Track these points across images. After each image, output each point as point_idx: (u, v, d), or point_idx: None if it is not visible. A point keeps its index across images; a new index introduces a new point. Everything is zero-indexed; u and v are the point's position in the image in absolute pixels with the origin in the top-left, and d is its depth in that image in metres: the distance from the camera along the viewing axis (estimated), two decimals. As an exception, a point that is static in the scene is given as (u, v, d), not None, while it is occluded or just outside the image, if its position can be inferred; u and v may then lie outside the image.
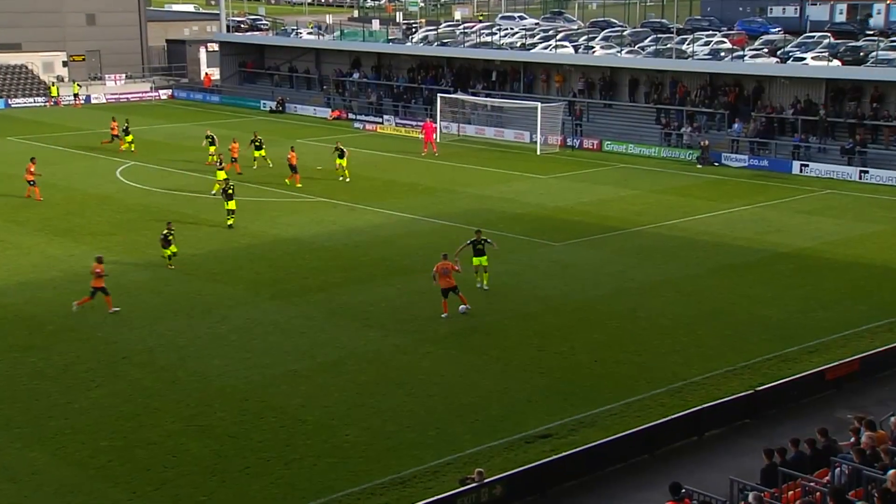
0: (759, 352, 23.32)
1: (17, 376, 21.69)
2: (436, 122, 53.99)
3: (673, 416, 18.95)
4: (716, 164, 49.13)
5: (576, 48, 61.38)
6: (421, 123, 58.84)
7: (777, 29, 69.47)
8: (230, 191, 35.24)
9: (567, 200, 40.75)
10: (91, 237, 33.81)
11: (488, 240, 28.17)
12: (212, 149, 45.59)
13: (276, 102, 70.16)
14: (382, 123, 62.46)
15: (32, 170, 39.12)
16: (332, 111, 66.73)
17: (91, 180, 43.96)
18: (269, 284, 28.75)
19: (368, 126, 62.38)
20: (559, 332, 24.76)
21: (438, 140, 55.86)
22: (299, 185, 42.03)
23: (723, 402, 19.61)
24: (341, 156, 43.64)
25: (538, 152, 52.80)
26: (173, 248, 30.18)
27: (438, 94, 58.53)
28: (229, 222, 35.10)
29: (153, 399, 20.56)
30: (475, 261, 27.97)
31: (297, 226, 35.67)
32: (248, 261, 31.28)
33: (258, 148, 45.13)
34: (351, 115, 65.45)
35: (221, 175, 40.31)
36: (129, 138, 51.42)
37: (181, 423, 19.44)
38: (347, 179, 43.09)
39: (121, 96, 75.86)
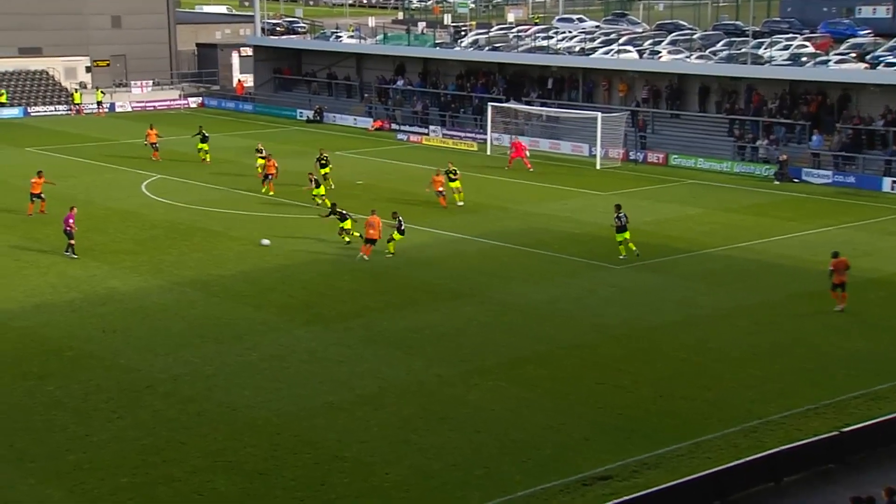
0: (844, 389, 22.98)
1: (33, 406, 22.07)
2: (522, 140, 54.21)
3: (747, 459, 18.71)
4: (795, 180, 48.64)
5: (640, 53, 61.25)
6: (471, 134, 59.11)
7: (866, 31, 68.66)
8: (341, 210, 35.61)
9: (629, 219, 40.46)
10: (113, 256, 34.39)
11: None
12: (260, 161, 46.19)
13: (313, 111, 70.87)
14: (428, 135, 62.80)
15: (41, 182, 39.87)
16: (374, 121, 67.24)
17: (114, 194, 44.74)
18: (303, 309, 28.97)
19: (413, 137, 62.78)
20: (619, 364, 24.63)
21: (489, 153, 55.99)
22: (272, 193, 43.19)
23: (803, 445, 19.33)
24: (322, 166, 44.70)
25: (597, 167, 52.69)
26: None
27: (489, 103, 58.73)
28: (347, 239, 35.57)
29: (178, 432, 20.80)
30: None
31: (334, 245, 35.90)
32: (281, 283, 31.56)
33: (323, 166, 45.08)
34: (394, 126, 65.89)
35: (321, 191, 41.27)
36: (205, 147, 52.17)
37: (208, 459, 19.64)
38: (332, 186, 43.89)
39: (147, 104, 77.11)
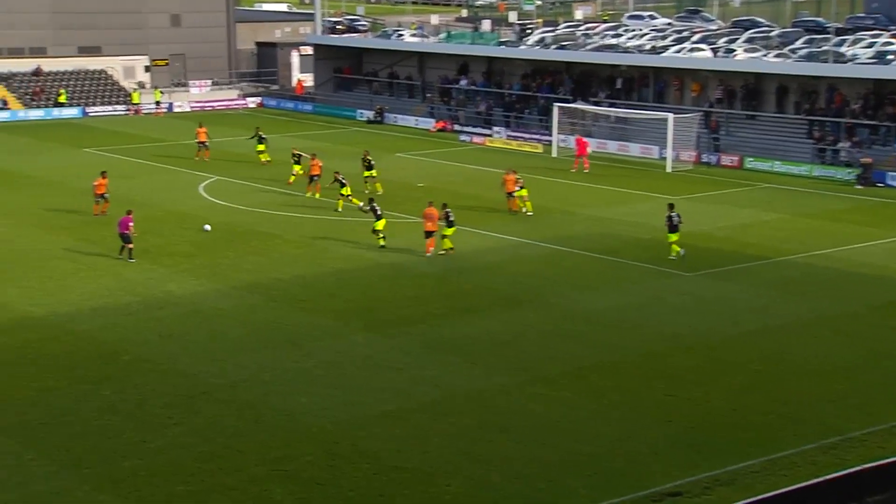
0: (929, 405, 22.49)
1: (88, 411, 22.45)
2: (586, 138, 54.09)
3: (826, 478, 18.36)
4: (879, 185, 47.76)
5: (714, 51, 60.58)
6: (536, 135, 58.98)
7: (956, 27, 67.11)
8: (379, 210, 35.89)
9: (701, 225, 40.15)
10: (170, 258, 34.90)
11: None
12: (296, 168, 46.54)
13: (374, 112, 71.30)
14: (492, 136, 62.80)
15: (105, 183, 40.56)
16: (436, 122, 67.44)
17: (171, 196, 45.43)
18: (361, 314, 29.12)
19: (476, 139, 62.81)
20: (691, 375, 24.37)
21: (555, 155, 55.86)
22: (318, 196, 43.14)
23: (888, 464, 18.92)
24: (369, 167, 44.96)
25: (668, 169, 52.26)
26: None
27: (555, 104, 58.57)
28: (381, 242, 35.77)
29: (234, 439, 21.03)
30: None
31: (395, 249, 36.04)
32: (339, 287, 31.76)
33: (368, 168, 45.36)
34: (456, 127, 66.01)
35: (346, 190, 41.51)
36: (262, 148, 52.88)
37: (265, 467, 19.81)
38: (379, 192, 43.70)
39: (206, 104, 78.19)
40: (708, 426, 21.60)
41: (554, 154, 56.35)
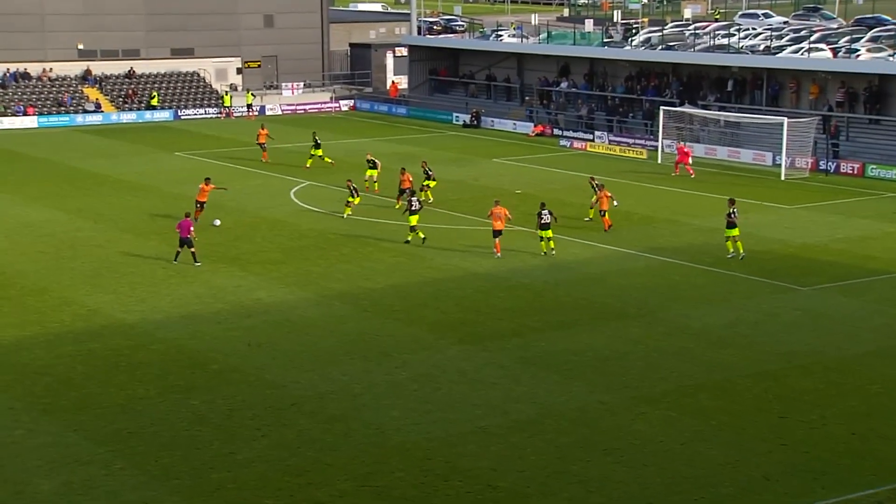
0: None
1: (178, 420, 22.95)
2: (688, 144, 53.64)
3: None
4: None
5: (835, 51, 59.36)
6: (645, 141, 58.59)
7: None
8: (414, 206, 37.27)
9: (818, 236, 39.30)
10: (260, 266, 35.49)
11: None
12: (371, 173, 46.88)
13: (470, 115, 71.49)
14: (593, 141, 62.46)
15: (209, 190, 41.32)
16: (535, 126, 67.36)
17: (263, 201, 46.21)
18: (456, 326, 29.21)
19: (576, 144, 62.54)
20: (806, 397, 23.88)
21: (660, 162, 55.31)
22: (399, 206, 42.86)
23: None
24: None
25: (782, 177, 51.32)
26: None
27: (661, 108, 58.00)
28: (409, 237, 37.40)
29: (323, 453, 21.25)
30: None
31: (492, 259, 36.05)
32: (433, 298, 31.90)
33: (427, 178, 45.79)
34: (556, 131, 65.82)
35: (357, 200, 42.18)
36: (319, 152, 53.82)
37: (354, 483, 19.99)
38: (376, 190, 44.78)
39: (297, 107, 79.38)
40: (825, 452, 21.12)
41: (659, 160, 55.78)
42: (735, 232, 35.47)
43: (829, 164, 52.84)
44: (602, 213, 39.91)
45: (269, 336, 28.44)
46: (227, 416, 23.13)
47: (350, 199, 42.02)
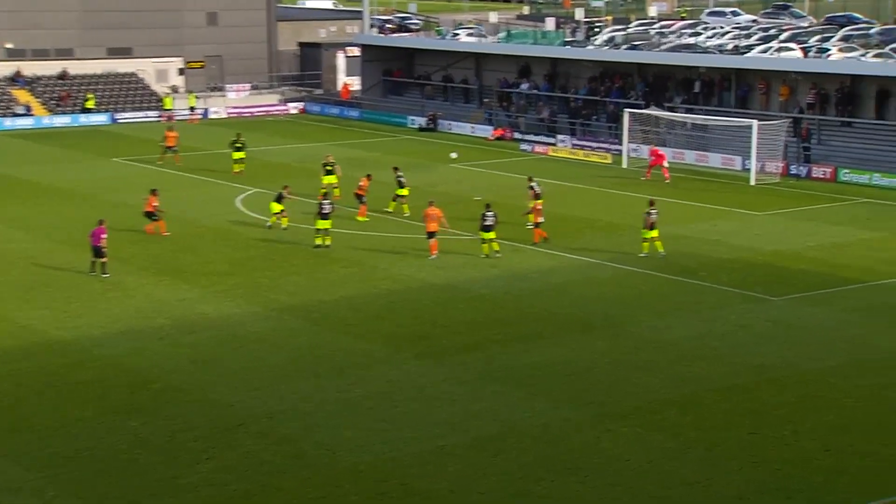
0: None
1: (117, 444, 22.69)
2: (661, 148, 54.09)
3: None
4: None
5: (805, 51, 60.10)
6: (606, 144, 58.95)
7: None
8: (324, 209, 38.11)
9: (789, 244, 39.73)
10: (205, 278, 35.27)
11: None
12: (329, 180, 46.77)
13: (426, 119, 71.60)
14: (556, 145, 62.77)
15: (153, 201, 41.08)
16: (494, 130, 67.55)
17: (207, 210, 45.94)
18: (413, 340, 29.19)
19: (538, 148, 62.81)
20: (778, 411, 24.10)
21: (625, 166, 55.66)
22: (364, 219, 42.88)
23: None
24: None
25: (752, 182, 51.83)
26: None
27: (626, 110, 58.40)
28: (317, 241, 38.32)
29: (272, 476, 21.12)
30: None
31: (449, 269, 36.11)
32: (389, 310, 31.87)
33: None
34: (517, 135, 66.06)
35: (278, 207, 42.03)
36: (241, 156, 53.88)
37: (305, 506, 19.89)
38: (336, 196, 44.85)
39: (244, 110, 79.09)
40: (798, 469, 21.32)
41: (624, 165, 56.15)
42: (654, 234, 36.83)
43: (801, 168, 53.43)
44: (535, 224, 39.34)
45: (215, 352, 28.26)
46: (169, 438, 22.93)
47: (274, 210, 41.68)
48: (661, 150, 53.36)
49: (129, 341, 29.18)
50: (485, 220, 36.86)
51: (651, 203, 37.64)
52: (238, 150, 54.20)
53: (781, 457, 21.83)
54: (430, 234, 37.07)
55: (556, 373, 26.61)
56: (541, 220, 39.37)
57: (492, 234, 36.97)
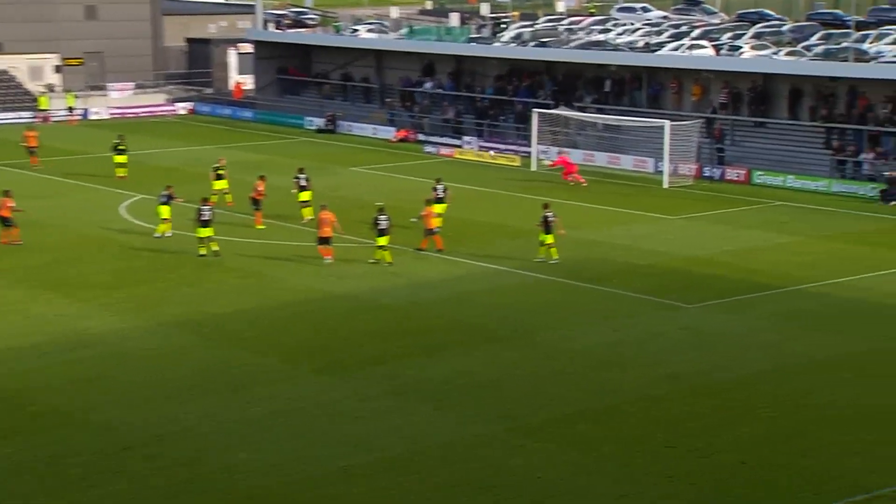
0: (969, 455, 22.76)
1: (-9, 470, 22.26)
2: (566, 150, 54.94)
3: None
4: (907, 201, 48.39)
5: (717, 49, 61.27)
6: (509, 147, 59.42)
7: None
8: (205, 216, 37.88)
9: (703, 249, 40.45)
10: (87, 291, 34.72)
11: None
12: (218, 185, 46.41)
13: (325, 119, 71.43)
14: (462, 147, 63.07)
15: (10, 205, 40.21)
16: (397, 131, 67.65)
17: (89, 217, 45.24)
18: (314, 354, 29.11)
19: (443, 150, 63.05)
20: (693, 423, 24.50)
21: (534, 169, 56.16)
22: (261, 227, 42.60)
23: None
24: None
25: (665, 185, 52.66)
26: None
27: (535, 110, 58.94)
28: (202, 251, 38.10)
29: (164, 503, 20.84)
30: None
31: (351, 278, 36.08)
32: (288, 323, 31.73)
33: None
34: (421, 136, 66.24)
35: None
36: (122, 159, 53.30)
37: (199, 534, 19.73)
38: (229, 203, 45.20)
39: (127, 110, 78.09)
40: (714, 483, 21.68)
41: (533, 167, 56.65)
42: (550, 238, 37.39)
43: (714, 170, 54.42)
44: (429, 231, 39.05)
45: (99, 371, 27.84)
46: (48, 464, 22.51)
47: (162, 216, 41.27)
48: (569, 158, 53.87)
49: (4, 361, 28.58)
50: (378, 223, 36.93)
51: (545, 206, 38.15)
52: (120, 153, 53.60)
53: (697, 470, 22.19)
54: (324, 240, 37.14)
55: (464, 386, 26.72)
56: (434, 227, 38.97)
57: (386, 240, 37.01)
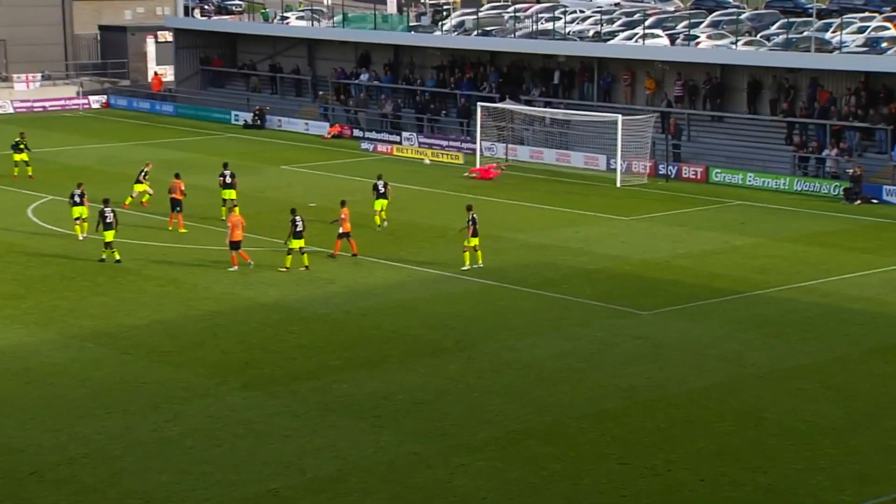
0: (938, 469, 23.09)
1: None
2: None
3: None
4: (873, 200, 48.95)
5: (672, 38, 61.71)
6: (459, 146, 59.58)
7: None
8: (109, 218, 38.04)
9: (658, 252, 40.72)
10: (-8, 301, 34.36)
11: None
12: (139, 188, 46.09)
13: (252, 114, 71.10)
14: (400, 143, 63.06)
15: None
16: (331, 126, 67.50)
17: (-7, 221, 44.74)
18: (239, 368, 28.95)
19: (381, 147, 63.00)
20: (649, 439, 24.65)
21: (478, 166, 56.29)
22: (183, 231, 42.51)
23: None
24: (225, 186, 45.09)
25: (618, 184, 52.96)
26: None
27: (479, 104, 59.06)
28: (103, 255, 38.19)
29: (75, 530, 20.74)
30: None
31: (281, 285, 35.94)
32: (211, 335, 31.56)
33: (20, 151, 47.87)
34: (357, 132, 66.14)
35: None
36: (24, 158, 52.92)
37: (114, 565, 19.56)
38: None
39: (34, 104, 77.24)
40: (671, 502, 21.82)
41: (478, 165, 56.72)
42: (475, 241, 37.56)
43: (670, 168, 54.76)
44: (342, 235, 39.02)
45: (3, 389, 27.49)
46: (-50, 490, 22.25)
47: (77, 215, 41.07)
48: (489, 168, 54.53)
49: None
50: (295, 225, 37.12)
51: (469, 208, 38.21)
52: (20, 151, 53.01)
53: (653, 489, 22.31)
54: (235, 245, 37.19)
55: (403, 402, 26.70)
56: (342, 230, 38.87)
57: (302, 242, 37.27)
